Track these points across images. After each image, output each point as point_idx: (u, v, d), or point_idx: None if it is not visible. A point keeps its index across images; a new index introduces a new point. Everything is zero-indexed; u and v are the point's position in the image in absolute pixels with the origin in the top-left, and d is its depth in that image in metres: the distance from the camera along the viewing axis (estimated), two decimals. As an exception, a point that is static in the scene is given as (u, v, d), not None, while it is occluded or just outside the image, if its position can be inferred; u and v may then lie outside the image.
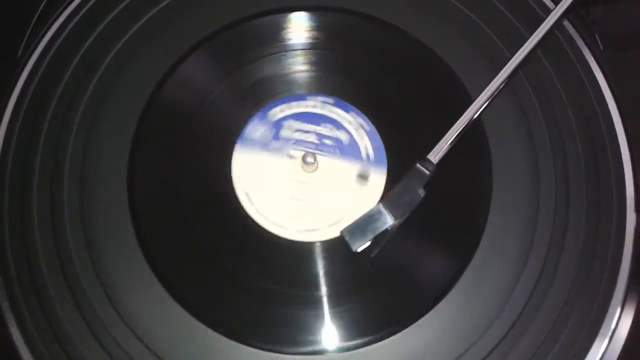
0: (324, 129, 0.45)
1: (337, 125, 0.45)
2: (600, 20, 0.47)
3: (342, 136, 0.44)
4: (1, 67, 0.45)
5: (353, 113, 0.45)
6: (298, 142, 0.45)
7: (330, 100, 0.45)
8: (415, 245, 0.42)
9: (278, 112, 0.45)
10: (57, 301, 0.39)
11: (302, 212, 0.43)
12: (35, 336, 0.38)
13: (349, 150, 0.44)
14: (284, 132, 0.45)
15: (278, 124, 0.45)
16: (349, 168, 0.44)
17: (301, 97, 0.45)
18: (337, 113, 0.45)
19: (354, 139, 0.44)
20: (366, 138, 0.45)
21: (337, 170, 0.44)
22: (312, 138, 0.45)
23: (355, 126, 0.45)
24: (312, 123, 0.45)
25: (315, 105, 0.45)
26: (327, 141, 0.44)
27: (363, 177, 0.43)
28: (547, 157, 0.43)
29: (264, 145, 0.44)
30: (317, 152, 0.44)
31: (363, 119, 0.45)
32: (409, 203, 0.41)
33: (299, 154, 0.44)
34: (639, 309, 0.40)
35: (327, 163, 0.44)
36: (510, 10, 0.47)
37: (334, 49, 0.47)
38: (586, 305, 0.40)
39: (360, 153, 0.44)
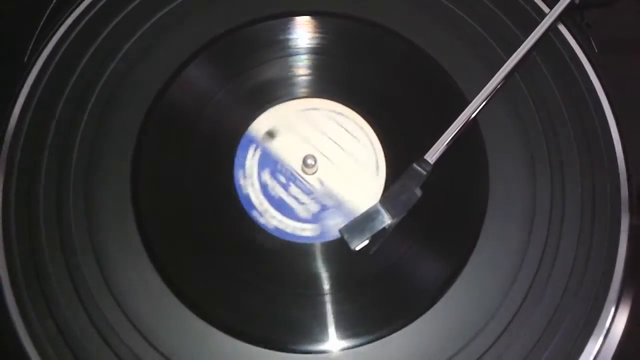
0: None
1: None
2: (595, 24, 0.47)
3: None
4: (9, 70, 0.45)
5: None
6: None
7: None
8: (412, 247, 0.42)
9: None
10: (63, 300, 0.39)
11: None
12: (42, 337, 0.39)
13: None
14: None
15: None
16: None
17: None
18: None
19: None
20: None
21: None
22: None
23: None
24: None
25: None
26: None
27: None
28: (543, 158, 0.44)
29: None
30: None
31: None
32: (406, 202, 0.41)
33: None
34: (634, 308, 0.40)
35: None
36: (506, 14, 0.47)
37: (335, 54, 0.47)
38: (581, 304, 0.40)
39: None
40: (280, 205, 0.43)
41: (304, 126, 0.46)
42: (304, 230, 0.43)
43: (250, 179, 0.44)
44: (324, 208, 0.43)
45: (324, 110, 0.46)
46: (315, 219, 0.43)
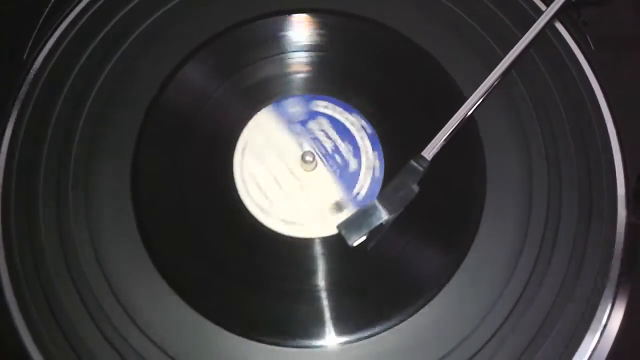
0: (342, 146, 0.45)
1: (356, 151, 0.45)
2: (591, 22, 0.48)
3: (353, 164, 0.45)
4: (8, 69, 0.45)
5: (356, 114, 0.46)
6: (315, 140, 0.45)
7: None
8: (410, 242, 0.42)
9: (322, 106, 0.46)
10: (64, 298, 0.40)
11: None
12: (44, 334, 0.39)
13: (346, 178, 0.44)
14: (312, 125, 0.45)
15: (313, 115, 0.46)
16: (334, 191, 0.44)
17: (348, 109, 0.46)
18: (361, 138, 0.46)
19: (359, 171, 0.44)
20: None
21: (326, 184, 0.45)
22: (328, 145, 0.45)
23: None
24: (338, 134, 0.45)
25: (347, 119, 0.46)
26: (337, 158, 0.45)
27: (339, 207, 0.43)
28: (540, 153, 0.44)
29: (289, 121, 0.45)
30: (321, 158, 0.45)
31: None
32: (403, 198, 0.42)
33: (306, 148, 0.45)
34: (630, 305, 0.40)
35: (323, 172, 0.45)
36: (504, 12, 0.47)
37: (333, 51, 0.47)
38: (578, 301, 0.40)
39: (353, 186, 0.44)
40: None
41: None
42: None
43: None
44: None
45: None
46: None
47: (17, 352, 0.39)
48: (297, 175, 0.44)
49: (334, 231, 0.42)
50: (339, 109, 0.46)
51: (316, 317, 0.40)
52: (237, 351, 0.39)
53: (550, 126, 0.44)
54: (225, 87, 0.46)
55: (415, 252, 0.42)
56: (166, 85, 0.45)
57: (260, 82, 0.47)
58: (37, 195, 0.42)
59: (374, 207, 0.42)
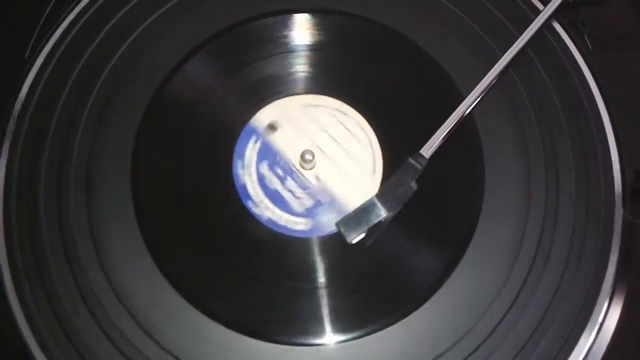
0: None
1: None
2: (589, 21, 0.48)
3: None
4: (9, 67, 0.45)
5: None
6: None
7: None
8: (408, 242, 0.42)
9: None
10: (65, 298, 0.40)
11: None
12: (46, 335, 0.39)
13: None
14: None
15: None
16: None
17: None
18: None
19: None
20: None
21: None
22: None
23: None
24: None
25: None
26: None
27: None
28: (538, 153, 0.44)
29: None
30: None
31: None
32: (401, 196, 0.42)
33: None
34: (627, 303, 0.40)
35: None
36: (502, 12, 0.48)
37: (332, 50, 0.48)
38: (574, 299, 0.40)
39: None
40: (275, 198, 0.44)
41: (305, 122, 0.46)
42: (296, 224, 0.43)
43: (248, 169, 0.44)
44: (318, 204, 0.44)
45: (326, 107, 0.46)
46: (308, 213, 0.43)
47: (18, 351, 0.39)
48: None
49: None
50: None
51: (314, 315, 0.40)
52: (234, 347, 0.39)
53: (548, 125, 0.45)
54: (225, 86, 0.46)
55: (413, 251, 0.42)
56: (166, 85, 0.46)
57: (260, 82, 0.47)
58: (38, 194, 0.42)
59: (373, 205, 0.42)
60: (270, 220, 0.43)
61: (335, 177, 0.45)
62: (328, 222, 0.43)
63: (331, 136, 0.46)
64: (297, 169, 0.45)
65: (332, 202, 0.44)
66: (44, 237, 0.41)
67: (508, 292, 0.41)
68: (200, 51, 0.47)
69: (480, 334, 0.40)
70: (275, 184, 0.44)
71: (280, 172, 0.45)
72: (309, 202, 0.44)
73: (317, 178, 0.44)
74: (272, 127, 0.44)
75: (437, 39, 0.47)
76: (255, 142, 0.45)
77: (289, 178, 0.44)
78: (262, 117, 0.46)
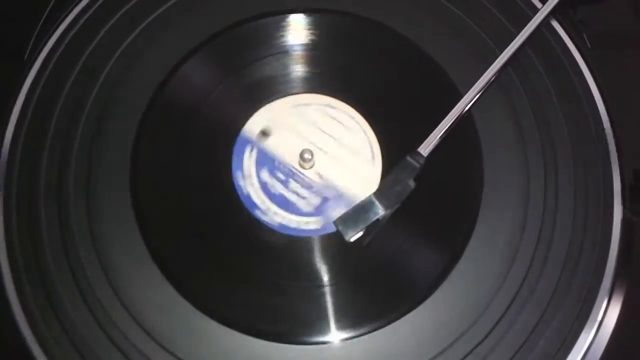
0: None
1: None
2: (588, 20, 0.48)
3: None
4: (9, 68, 0.45)
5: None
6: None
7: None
8: (407, 239, 0.43)
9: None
10: (66, 299, 0.40)
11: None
12: (46, 334, 0.39)
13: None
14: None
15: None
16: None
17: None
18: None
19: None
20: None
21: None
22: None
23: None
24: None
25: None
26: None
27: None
28: (537, 151, 0.44)
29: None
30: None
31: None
32: (399, 194, 0.42)
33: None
34: (626, 300, 0.40)
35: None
36: (500, 10, 0.48)
37: (329, 50, 0.48)
38: (574, 297, 0.40)
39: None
40: (281, 202, 0.44)
41: (298, 122, 0.46)
42: (308, 224, 0.43)
43: (249, 179, 0.44)
44: (325, 200, 0.44)
45: (316, 104, 0.46)
46: (318, 211, 0.43)
47: (19, 350, 0.39)
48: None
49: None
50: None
51: (316, 314, 0.41)
52: (241, 348, 0.39)
53: (547, 123, 0.45)
54: (224, 86, 0.47)
55: (413, 249, 0.42)
56: (166, 85, 0.46)
57: (260, 82, 0.47)
58: (38, 194, 0.42)
59: (371, 203, 0.42)
60: (282, 226, 0.43)
61: (337, 171, 0.45)
62: (335, 217, 0.43)
63: (325, 132, 0.46)
64: (297, 170, 0.45)
65: (339, 196, 0.44)
66: (44, 237, 0.41)
67: (507, 290, 0.41)
68: (198, 53, 0.47)
69: (480, 331, 0.40)
70: (279, 188, 0.44)
71: (281, 176, 0.45)
72: (315, 201, 0.44)
73: (319, 175, 0.44)
74: (264, 133, 0.44)
75: (435, 37, 0.47)
76: (251, 151, 0.45)
77: (291, 180, 0.44)
78: (253, 125, 0.46)
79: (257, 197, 0.44)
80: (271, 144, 0.45)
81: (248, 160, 0.45)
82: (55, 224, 0.41)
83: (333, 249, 0.42)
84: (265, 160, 0.45)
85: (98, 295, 0.40)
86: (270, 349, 0.39)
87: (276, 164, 0.45)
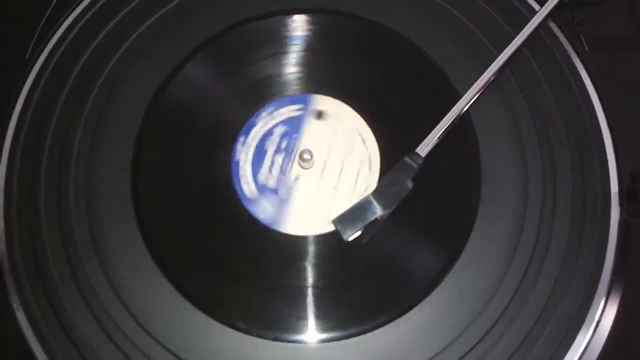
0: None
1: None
2: (585, 23, 0.48)
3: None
4: (10, 68, 0.46)
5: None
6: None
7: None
8: (403, 241, 0.43)
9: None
10: (66, 298, 0.40)
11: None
12: (47, 334, 0.39)
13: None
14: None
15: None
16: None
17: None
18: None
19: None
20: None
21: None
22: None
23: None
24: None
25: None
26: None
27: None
28: (534, 152, 0.44)
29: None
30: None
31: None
32: (397, 194, 0.42)
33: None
34: (623, 301, 0.41)
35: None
36: (498, 11, 0.48)
37: (330, 50, 0.48)
38: (571, 297, 0.40)
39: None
40: (258, 157, 0.44)
41: (341, 133, 0.46)
42: (248, 186, 0.44)
43: (264, 127, 0.45)
44: (273, 191, 0.44)
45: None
46: (261, 190, 0.44)
47: (19, 350, 0.39)
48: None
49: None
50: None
51: (316, 314, 0.41)
52: (238, 347, 0.40)
53: (544, 125, 0.45)
54: (224, 87, 0.47)
55: (409, 251, 0.43)
56: (166, 85, 0.46)
57: (260, 82, 0.47)
58: (38, 194, 0.42)
59: (369, 202, 0.42)
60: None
61: (308, 193, 0.44)
62: (261, 210, 0.43)
63: (339, 157, 0.46)
64: (295, 157, 0.45)
65: (281, 202, 0.44)
66: (44, 237, 0.41)
67: (505, 290, 0.41)
68: (198, 53, 0.47)
69: (475, 333, 0.40)
70: (271, 146, 0.45)
71: (284, 144, 0.45)
72: (271, 183, 0.44)
73: (297, 179, 0.44)
74: (320, 114, 0.44)
75: (434, 38, 0.47)
76: (297, 110, 0.46)
77: (283, 154, 0.45)
78: (320, 100, 0.46)
79: (245, 161, 0.45)
80: (312, 125, 0.46)
81: (289, 112, 0.46)
82: (56, 225, 0.42)
83: (332, 248, 0.42)
84: (294, 126, 0.46)
85: (98, 295, 0.40)
86: (271, 349, 0.40)
87: (295, 136, 0.45)
